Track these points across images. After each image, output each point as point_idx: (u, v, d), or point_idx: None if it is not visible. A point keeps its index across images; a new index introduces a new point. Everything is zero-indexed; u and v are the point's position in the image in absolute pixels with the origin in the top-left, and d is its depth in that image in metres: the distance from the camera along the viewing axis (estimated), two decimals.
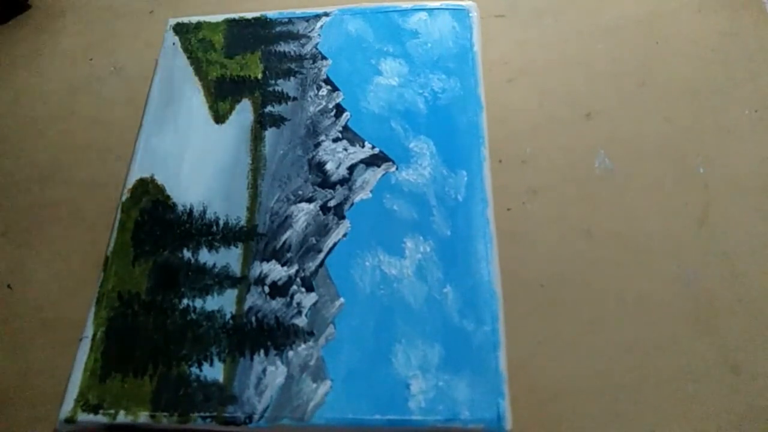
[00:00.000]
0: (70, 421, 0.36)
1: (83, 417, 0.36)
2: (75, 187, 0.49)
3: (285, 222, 0.42)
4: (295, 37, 0.51)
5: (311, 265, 0.40)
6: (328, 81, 0.48)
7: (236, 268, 0.41)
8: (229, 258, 0.41)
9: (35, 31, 0.59)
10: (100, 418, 0.36)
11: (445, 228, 0.40)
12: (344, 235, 0.41)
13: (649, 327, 0.38)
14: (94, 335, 0.39)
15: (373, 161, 0.44)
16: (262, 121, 0.47)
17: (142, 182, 0.45)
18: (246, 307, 0.39)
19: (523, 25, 0.52)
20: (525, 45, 0.51)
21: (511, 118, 0.47)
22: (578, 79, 0.48)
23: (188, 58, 0.51)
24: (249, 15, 0.52)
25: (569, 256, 0.41)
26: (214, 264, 0.41)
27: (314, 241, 0.41)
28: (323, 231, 0.41)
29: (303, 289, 0.39)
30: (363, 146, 0.44)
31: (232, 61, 0.50)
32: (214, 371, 0.37)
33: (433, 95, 0.46)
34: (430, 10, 0.50)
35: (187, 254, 0.42)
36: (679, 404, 0.36)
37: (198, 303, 0.40)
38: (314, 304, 0.39)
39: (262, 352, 0.37)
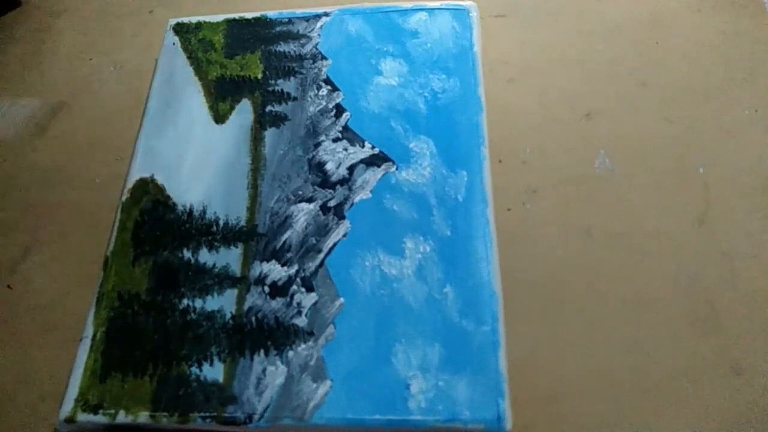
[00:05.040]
0: (70, 421, 0.36)
1: (83, 417, 0.36)
2: (75, 187, 0.49)
3: (285, 222, 0.42)
4: (295, 37, 0.51)
5: (311, 265, 0.40)
6: (328, 81, 0.48)
7: (236, 268, 0.41)
8: (229, 258, 0.41)
9: (35, 30, 0.59)
10: (100, 418, 0.36)
11: (445, 228, 0.40)
12: (344, 235, 0.41)
13: (649, 327, 0.38)
14: (94, 335, 0.39)
15: (373, 161, 0.44)
16: (262, 121, 0.47)
17: (142, 182, 0.45)
18: (246, 307, 0.39)
19: (523, 25, 0.52)
20: (525, 45, 0.51)
21: (511, 118, 0.47)
22: (578, 79, 0.48)
23: (188, 58, 0.50)
24: (249, 15, 0.52)
25: (569, 256, 0.41)
26: (214, 264, 0.41)
27: (314, 241, 0.41)
28: (323, 231, 0.41)
29: (303, 289, 0.39)
30: (363, 146, 0.44)
31: (232, 61, 0.50)
32: (214, 371, 0.37)
33: (433, 95, 0.46)
34: (430, 10, 0.50)
35: (187, 254, 0.42)
36: (679, 404, 0.36)
37: (198, 303, 0.40)
38: (314, 304, 0.39)
39: (262, 352, 0.37)
